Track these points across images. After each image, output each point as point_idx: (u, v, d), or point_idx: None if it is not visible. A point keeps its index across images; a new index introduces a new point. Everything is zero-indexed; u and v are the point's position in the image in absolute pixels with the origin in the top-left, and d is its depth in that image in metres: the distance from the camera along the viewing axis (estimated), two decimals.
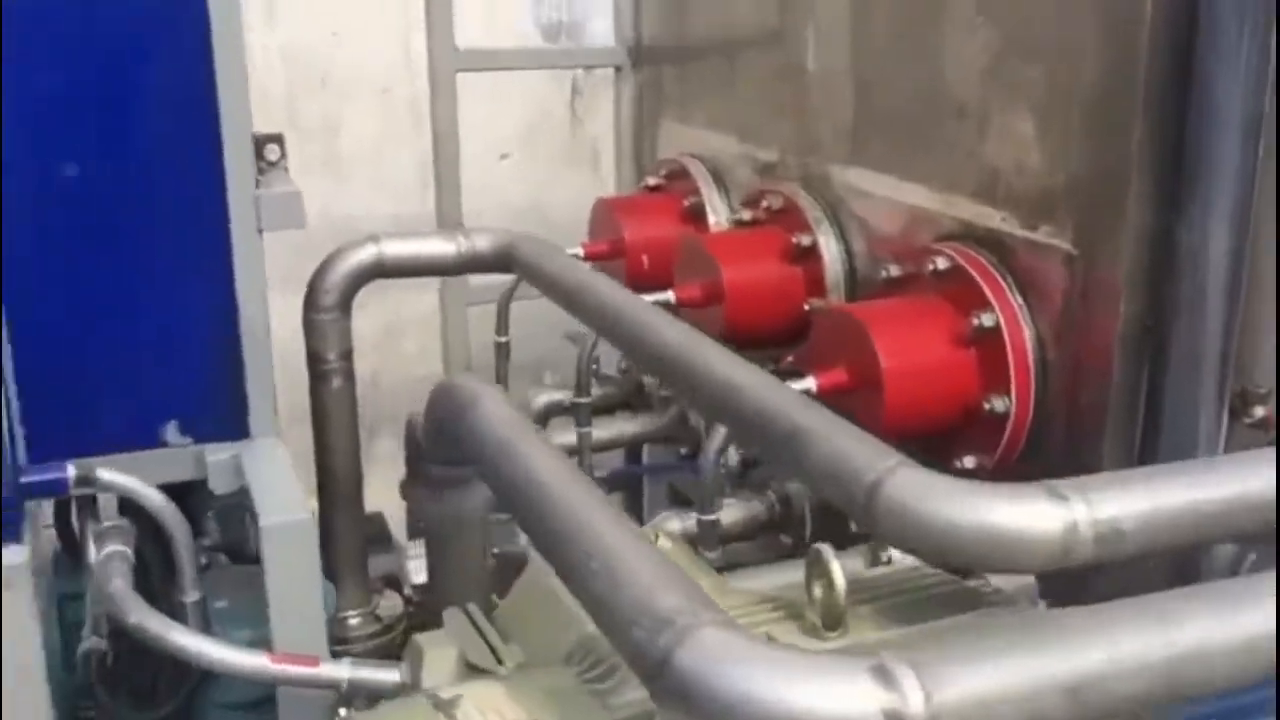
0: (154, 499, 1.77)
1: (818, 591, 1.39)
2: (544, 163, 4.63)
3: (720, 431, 2.11)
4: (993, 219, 2.11)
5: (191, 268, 1.91)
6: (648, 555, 1.19)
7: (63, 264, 1.81)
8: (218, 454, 1.93)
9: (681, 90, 3.16)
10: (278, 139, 1.96)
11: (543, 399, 3.22)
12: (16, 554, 1.60)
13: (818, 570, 1.38)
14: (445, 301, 3.26)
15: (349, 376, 2.44)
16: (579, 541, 1.22)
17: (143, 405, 1.90)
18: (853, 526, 1.44)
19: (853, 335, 2.11)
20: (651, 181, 3.16)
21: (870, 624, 1.41)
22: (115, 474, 1.78)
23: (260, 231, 1.89)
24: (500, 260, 2.56)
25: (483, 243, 2.54)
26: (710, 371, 1.70)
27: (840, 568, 1.35)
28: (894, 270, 2.27)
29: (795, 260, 2.59)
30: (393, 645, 2.20)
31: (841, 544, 1.53)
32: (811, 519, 2.51)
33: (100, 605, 1.87)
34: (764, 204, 2.67)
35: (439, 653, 1.63)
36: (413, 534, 2.59)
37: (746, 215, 2.76)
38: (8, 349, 1.71)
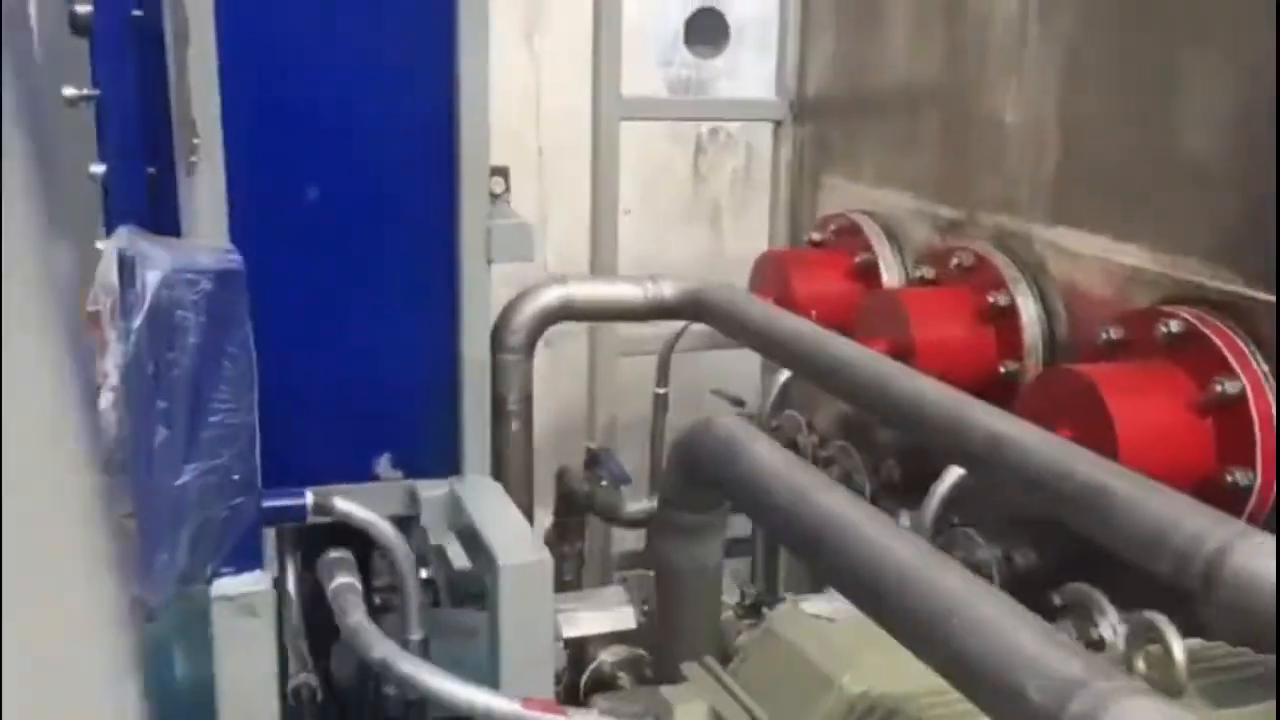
0: (388, 533, 1.70)
1: (1141, 662, 1.29)
2: (664, 219, 4.61)
3: (947, 481, 2.02)
4: (1234, 282, 2.02)
5: (418, 297, 1.85)
6: (1012, 610, 1.10)
7: (292, 289, 1.76)
8: (432, 490, 1.86)
9: (850, 146, 3.10)
10: (503, 171, 1.91)
11: None
12: (259, 580, 1.54)
13: (1145, 639, 1.28)
14: (595, 351, 3.20)
15: (528, 421, 2.38)
16: (930, 597, 1.13)
17: (356, 437, 1.83)
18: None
19: (1083, 395, 2.01)
20: (816, 237, 3.10)
21: (1200, 699, 1.31)
22: (351, 504, 1.72)
23: (489, 262, 1.84)
24: (688, 307, 2.51)
25: (670, 289, 2.49)
26: (975, 424, 1.61)
27: (1180, 640, 1.26)
28: (1115, 333, 2.18)
29: (989, 320, 2.51)
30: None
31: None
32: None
33: (301, 638, 1.80)
34: (953, 261, 2.59)
35: (689, 708, 1.54)
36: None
37: (929, 273, 2.69)
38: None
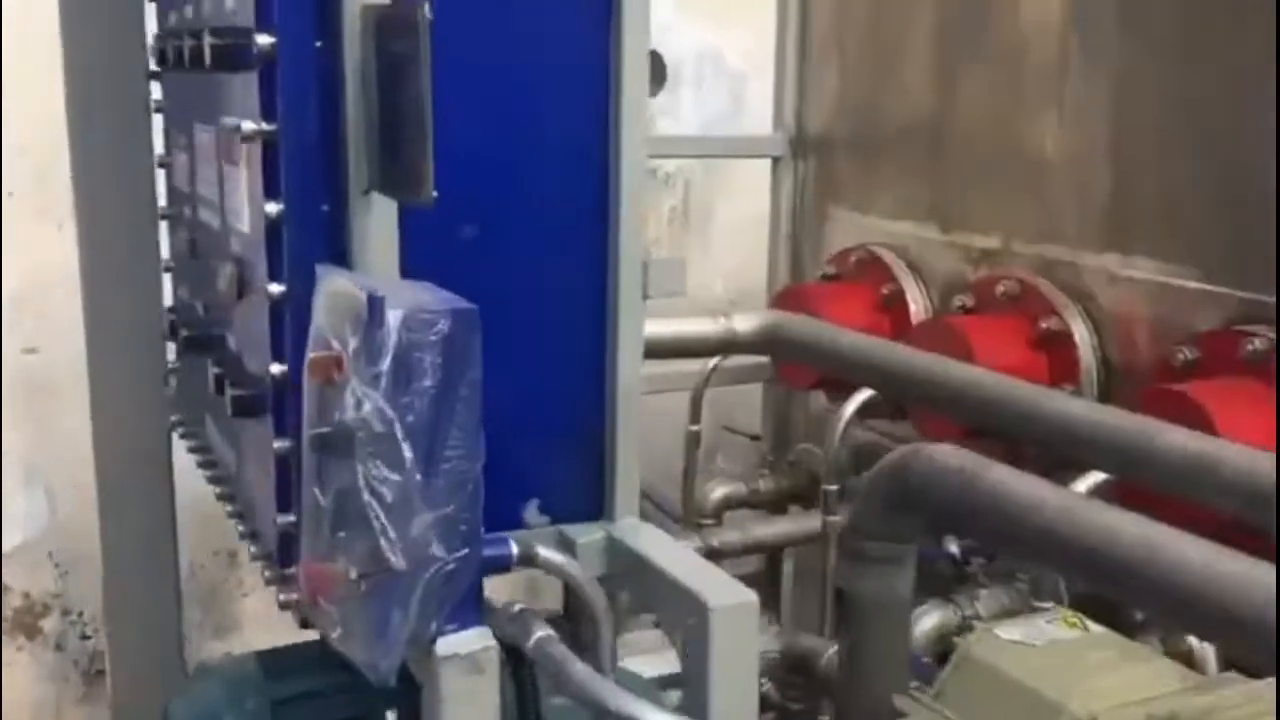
0: (586, 581, 1.63)
1: None
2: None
3: None
4: None
5: (570, 335, 1.79)
6: None
7: None
8: (587, 535, 1.80)
9: (861, 179, 3.16)
10: None
11: (720, 491, 3.13)
12: (483, 635, 1.45)
13: None
14: None
15: None
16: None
17: (504, 481, 1.75)
18: None
19: (1189, 417, 2.08)
20: (831, 270, 3.13)
21: None
22: (554, 553, 1.64)
23: (645, 298, 1.79)
24: (763, 340, 2.50)
25: (744, 323, 2.48)
26: (1171, 445, 1.65)
27: None
28: (1189, 354, 2.27)
29: (1041, 346, 2.58)
30: None
31: None
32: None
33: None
34: (999, 290, 2.66)
35: None
36: None
37: (968, 302, 2.75)
38: None
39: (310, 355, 1.40)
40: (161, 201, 2.38)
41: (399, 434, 1.34)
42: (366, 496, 1.35)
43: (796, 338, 2.43)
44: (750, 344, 2.47)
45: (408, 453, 1.35)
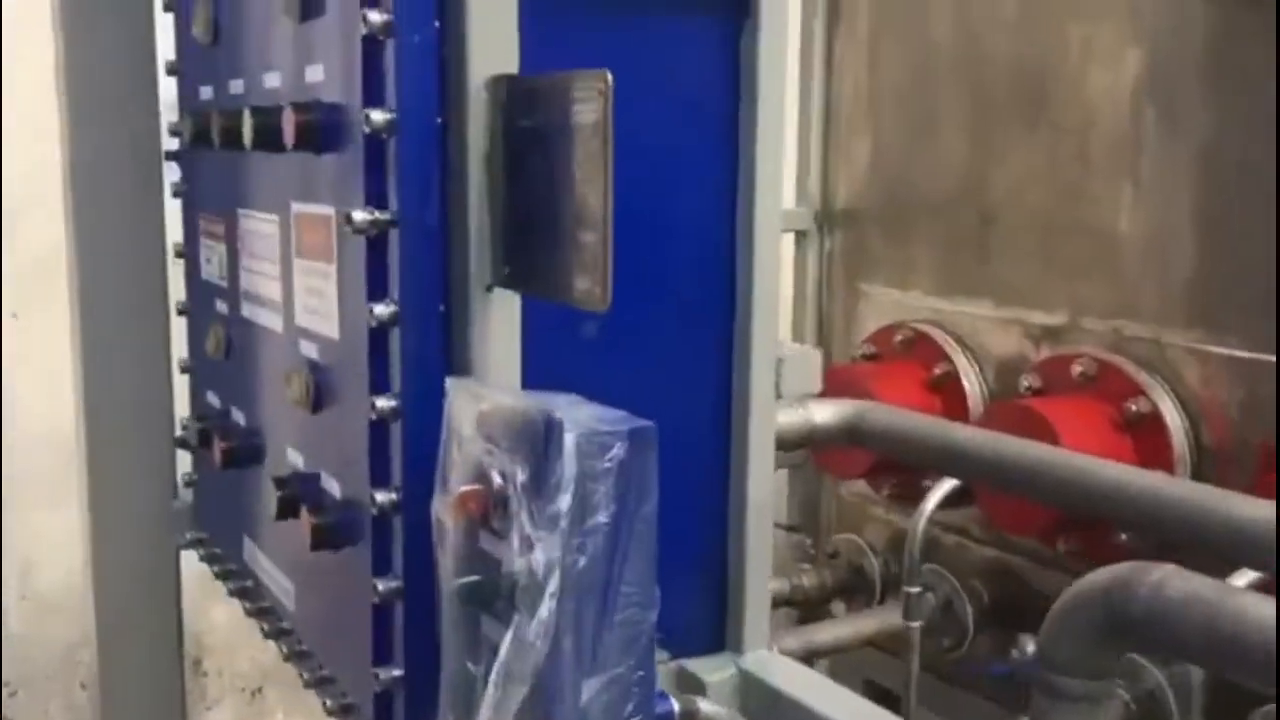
0: None
1: None
2: None
3: None
4: None
5: (695, 444, 1.58)
6: None
7: None
8: (717, 672, 1.58)
9: (899, 253, 2.99)
10: None
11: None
12: None
13: None
14: None
15: None
16: None
17: None
18: None
19: None
20: (871, 350, 2.96)
21: None
22: (715, 708, 1.42)
23: (778, 398, 1.59)
24: (844, 430, 2.31)
25: (823, 414, 2.29)
26: None
27: None
28: None
29: (1127, 429, 2.42)
30: None
31: None
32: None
33: None
34: (1076, 370, 2.50)
35: None
36: None
37: (1034, 382, 2.59)
38: None
39: (463, 489, 1.16)
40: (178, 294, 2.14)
41: (571, 583, 1.12)
42: (530, 657, 1.12)
43: (881, 427, 2.25)
44: (831, 434, 2.27)
45: (580, 605, 1.12)
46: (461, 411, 1.20)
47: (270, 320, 1.67)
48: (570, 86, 1.18)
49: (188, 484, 2.18)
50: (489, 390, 1.22)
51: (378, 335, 1.34)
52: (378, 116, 1.28)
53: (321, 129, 1.39)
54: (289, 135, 1.42)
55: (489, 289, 1.34)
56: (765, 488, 1.60)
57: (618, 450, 1.15)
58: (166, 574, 2.29)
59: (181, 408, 2.19)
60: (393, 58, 1.27)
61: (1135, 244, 2.46)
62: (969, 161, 2.79)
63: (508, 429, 1.14)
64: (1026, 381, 2.60)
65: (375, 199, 1.31)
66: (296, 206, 1.53)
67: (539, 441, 1.10)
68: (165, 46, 2.07)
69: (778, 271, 1.59)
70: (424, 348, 1.33)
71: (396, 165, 1.28)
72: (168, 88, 2.08)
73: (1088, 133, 2.53)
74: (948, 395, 2.80)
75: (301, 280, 1.54)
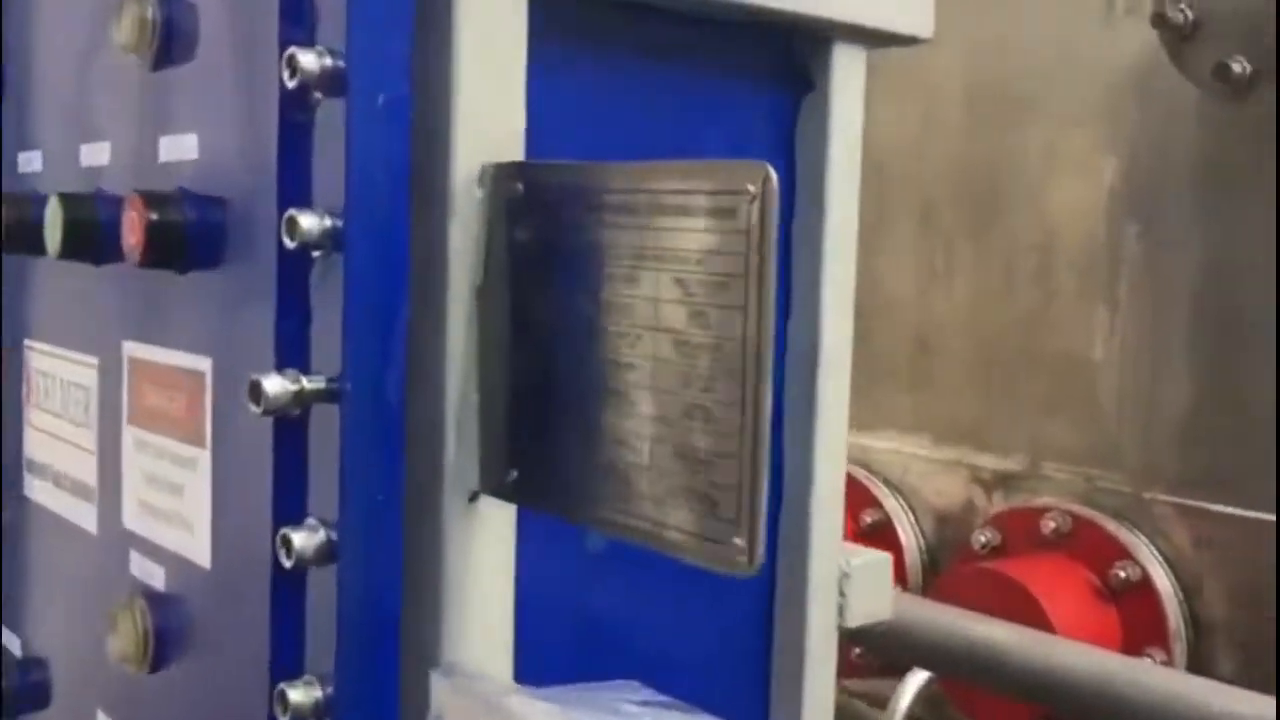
0: None
1: None
2: None
3: None
4: None
5: (731, 690, 1.10)
6: None
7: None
8: None
9: None
10: None
11: None
12: None
13: None
14: None
15: None
16: None
17: None
18: None
19: None
20: None
21: None
22: None
23: (839, 630, 1.13)
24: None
25: None
26: None
27: None
28: None
29: (1111, 597, 2.07)
30: None
31: None
32: None
33: None
34: (1048, 526, 2.14)
35: None
36: None
37: (993, 538, 2.22)
38: None
39: None
40: None
41: None
42: None
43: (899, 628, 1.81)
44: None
45: None
46: None
47: (76, 513, 1.10)
48: (673, 186, 0.69)
49: None
50: (505, 698, 0.70)
51: (290, 580, 0.81)
52: (307, 222, 0.76)
53: (192, 237, 0.86)
54: (133, 242, 0.88)
55: (472, 498, 0.83)
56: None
57: None
58: None
59: None
60: (337, 129, 0.76)
61: (1110, 382, 2.14)
62: (904, 287, 2.42)
63: None
64: (984, 537, 2.22)
65: (295, 357, 0.79)
66: (133, 348, 0.98)
67: None
68: None
69: (841, 474, 1.14)
70: (372, 600, 0.80)
71: (342, 302, 0.77)
72: None
73: (1050, 253, 2.21)
74: (880, 548, 2.40)
75: (138, 462, 0.98)
